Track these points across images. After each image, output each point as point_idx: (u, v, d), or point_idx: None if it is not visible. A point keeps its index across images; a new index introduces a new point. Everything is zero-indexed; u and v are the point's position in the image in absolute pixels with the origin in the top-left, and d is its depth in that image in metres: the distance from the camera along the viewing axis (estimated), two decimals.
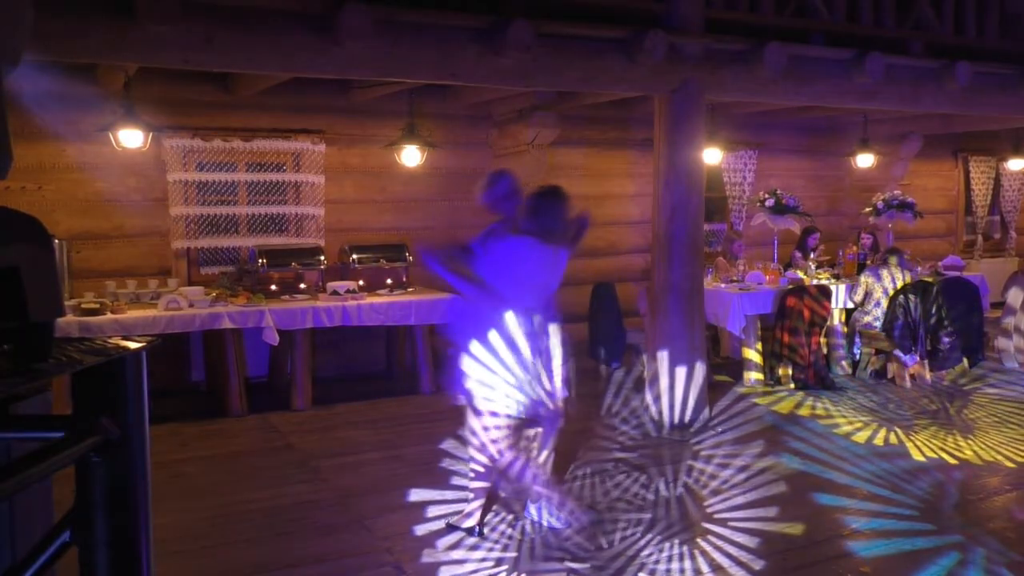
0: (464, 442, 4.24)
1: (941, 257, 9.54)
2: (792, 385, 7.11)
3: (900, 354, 7.17)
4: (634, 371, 6.88)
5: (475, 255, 4.06)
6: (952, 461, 5.29)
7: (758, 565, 3.84)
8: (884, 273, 7.40)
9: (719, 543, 4.06)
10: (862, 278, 7.52)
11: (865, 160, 9.51)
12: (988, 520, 4.42)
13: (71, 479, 1.31)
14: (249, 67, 5.27)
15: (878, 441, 5.71)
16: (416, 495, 4.66)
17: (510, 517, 4.39)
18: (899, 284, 7.34)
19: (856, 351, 7.69)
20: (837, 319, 7.67)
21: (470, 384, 4.01)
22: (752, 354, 7.24)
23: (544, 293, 4.10)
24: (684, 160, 5.93)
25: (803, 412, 6.44)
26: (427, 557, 3.93)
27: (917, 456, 5.39)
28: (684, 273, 5.96)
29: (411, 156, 7.42)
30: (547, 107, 7.66)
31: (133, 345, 1.38)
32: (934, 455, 5.40)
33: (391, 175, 7.76)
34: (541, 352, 4.05)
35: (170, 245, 7.01)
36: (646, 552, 3.98)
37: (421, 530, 4.24)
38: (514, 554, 3.98)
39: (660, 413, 6.01)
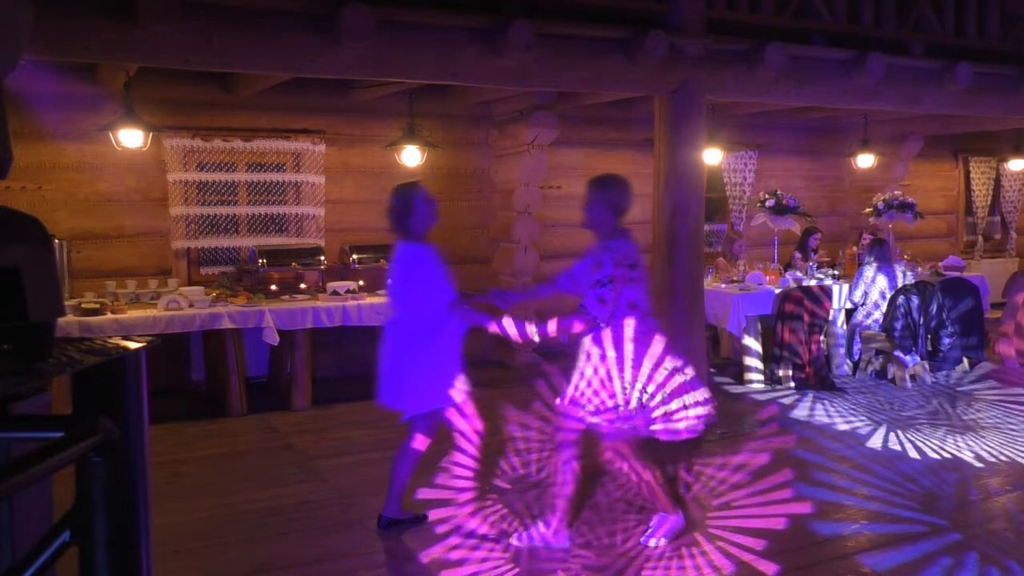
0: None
1: (941, 258, 9.53)
2: (792, 386, 7.11)
3: (900, 354, 7.16)
4: None
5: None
6: (952, 462, 5.29)
7: (758, 565, 3.84)
8: (869, 272, 7.40)
9: (718, 543, 4.06)
10: (860, 277, 7.51)
11: (865, 160, 9.51)
12: (989, 520, 4.42)
13: (71, 479, 1.31)
14: (249, 67, 5.27)
15: (878, 442, 5.71)
16: (415, 495, 4.65)
17: (510, 515, 4.38)
18: (896, 283, 7.33)
19: (856, 351, 7.69)
20: (837, 320, 7.66)
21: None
22: (752, 355, 7.24)
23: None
24: (684, 160, 5.93)
25: (803, 413, 6.44)
26: (426, 557, 3.93)
27: (917, 457, 5.39)
28: (684, 273, 5.96)
29: (411, 156, 7.42)
30: (547, 107, 7.66)
31: (133, 345, 1.38)
32: (934, 456, 5.40)
33: (391, 175, 7.74)
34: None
35: (170, 245, 7.01)
36: (647, 552, 3.98)
37: (421, 530, 4.23)
38: (518, 546, 3.98)
39: None
